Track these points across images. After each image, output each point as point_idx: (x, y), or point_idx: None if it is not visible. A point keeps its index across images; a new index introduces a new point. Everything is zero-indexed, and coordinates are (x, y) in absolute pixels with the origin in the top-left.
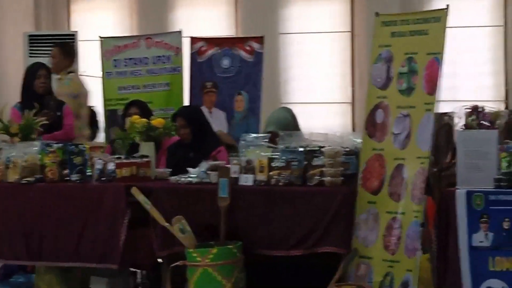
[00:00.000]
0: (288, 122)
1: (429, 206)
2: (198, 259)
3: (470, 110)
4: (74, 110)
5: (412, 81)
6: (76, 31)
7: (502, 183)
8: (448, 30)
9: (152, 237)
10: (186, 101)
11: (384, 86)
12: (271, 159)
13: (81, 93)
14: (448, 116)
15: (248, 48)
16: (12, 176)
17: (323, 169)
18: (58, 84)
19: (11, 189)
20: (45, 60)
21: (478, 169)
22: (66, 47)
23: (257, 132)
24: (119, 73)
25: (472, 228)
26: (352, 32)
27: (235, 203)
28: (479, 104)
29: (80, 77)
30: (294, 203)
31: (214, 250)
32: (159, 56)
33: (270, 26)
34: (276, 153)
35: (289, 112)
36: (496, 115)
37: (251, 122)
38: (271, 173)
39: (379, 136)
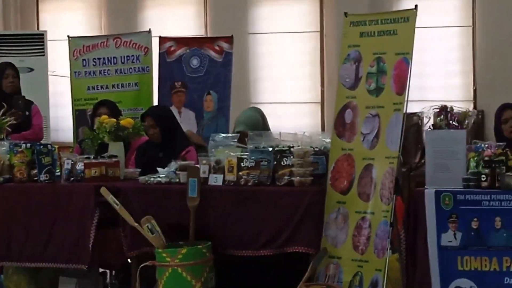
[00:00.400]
0: (258, 122)
1: (398, 206)
2: (168, 259)
3: (438, 110)
4: None
5: (381, 81)
6: (45, 31)
7: (470, 183)
8: (416, 30)
9: (121, 237)
10: (155, 101)
11: (353, 86)
12: (240, 159)
13: None
14: (417, 116)
15: (217, 48)
16: None
17: (292, 169)
18: None
19: None
20: (14, 60)
21: (446, 169)
22: None
23: (226, 132)
24: (88, 73)
25: (441, 228)
26: (321, 32)
27: (204, 203)
28: (448, 104)
29: None
30: (263, 203)
31: (184, 250)
32: (128, 56)
33: (239, 26)
34: (245, 153)
35: (259, 112)
36: (464, 115)
37: (221, 122)
38: (240, 173)
39: (348, 136)
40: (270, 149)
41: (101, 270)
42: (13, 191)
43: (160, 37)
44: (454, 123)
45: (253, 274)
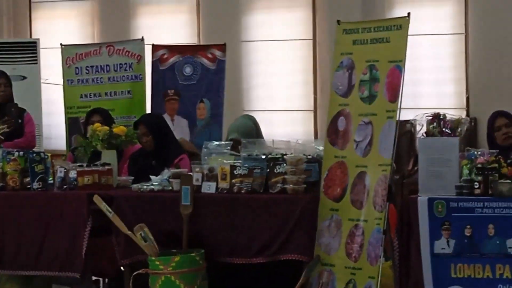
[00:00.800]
0: (251, 130)
1: (391, 214)
2: (161, 267)
3: (431, 117)
4: None
5: (374, 89)
6: (38, 39)
7: (463, 190)
8: (409, 38)
9: (114, 245)
10: (148, 109)
11: (346, 94)
12: (233, 167)
13: None
14: (410, 123)
15: (210, 55)
16: None
17: (285, 176)
18: None
19: None
20: (7, 68)
21: (439, 176)
22: None
23: (219, 140)
24: (81, 81)
25: (434, 235)
26: (314, 40)
27: (197, 211)
28: (441, 111)
29: None
30: (256, 211)
31: (177, 258)
32: (121, 64)
33: (232, 33)
34: (239, 161)
35: (252, 119)
36: (457, 122)
37: (214, 130)
38: (233, 180)
39: (341, 143)
40: (263, 156)
41: (94, 278)
42: (6, 199)
43: (153, 45)
44: (447, 130)
45: (247, 282)
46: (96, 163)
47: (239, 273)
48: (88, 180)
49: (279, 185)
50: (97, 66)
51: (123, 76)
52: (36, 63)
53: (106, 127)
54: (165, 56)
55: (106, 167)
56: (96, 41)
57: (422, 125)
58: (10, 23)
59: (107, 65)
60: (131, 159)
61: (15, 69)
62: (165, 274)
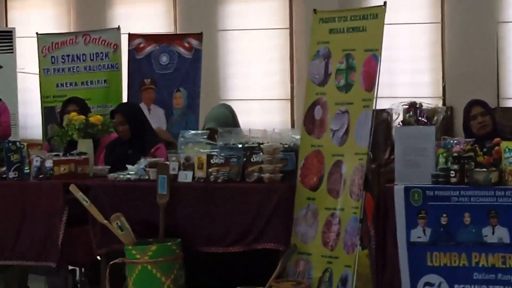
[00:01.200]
0: (227, 119)
1: (367, 202)
2: (137, 256)
3: (407, 106)
4: None
5: (350, 78)
6: (14, 28)
7: (439, 179)
8: (385, 27)
9: (91, 235)
10: (125, 98)
11: (323, 83)
12: (210, 156)
13: None
14: (386, 112)
15: (186, 45)
16: None
17: (262, 165)
18: None
19: None
20: None
21: (416, 165)
22: None
23: (196, 129)
24: (57, 70)
25: (410, 224)
26: (291, 29)
27: (174, 200)
28: (417, 100)
29: None
30: (233, 200)
31: (153, 247)
32: (97, 53)
33: (209, 23)
34: (215, 150)
35: (228, 109)
36: (433, 111)
37: (190, 119)
38: (210, 169)
39: (318, 132)
40: (240, 146)
41: (70, 268)
42: None
43: (129, 34)
44: (423, 119)
45: (223, 271)
46: (72, 152)
47: (216, 262)
48: (64, 169)
49: (255, 174)
50: (73, 55)
51: (99, 65)
52: (12, 52)
53: (82, 116)
54: (142, 45)
55: (82, 157)
56: (72, 30)
57: (399, 114)
58: None
59: (83, 54)
60: (108, 149)
61: None
62: (141, 263)
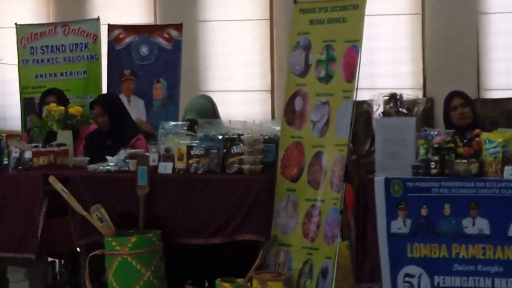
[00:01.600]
0: (207, 110)
1: (348, 194)
2: (117, 248)
3: (388, 97)
4: None
5: (331, 69)
6: None
7: (420, 170)
8: (366, 18)
9: (70, 226)
10: (104, 89)
11: (303, 74)
12: (190, 147)
13: None
14: (367, 103)
15: (166, 35)
16: None
17: (242, 157)
18: None
19: None
20: None
21: (396, 156)
22: None
23: (176, 120)
24: (36, 61)
25: (391, 215)
26: (271, 19)
27: (154, 191)
28: (397, 91)
29: None
30: (213, 191)
31: (133, 239)
32: (76, 44)
33: (189, 13)
34: (195, 141)
35: (209, 99)
36: (413, 102)
37: (170, 110)
38: (190, 161)
39: (298, 123)
40: (220, 137)
41: (50, 259)
42: None
43: (108, 24)
44: (403, 110)
45: (203, 262)
46: (51, 143)
47: (196, 254)
48: (44, 160)
49: (236, 165)
50: (52, 46)
51: (79, 56)
52: None
53: (62, 108)
54: (121, 36)
55: (62, 148)
56: (51, 21)
57: (379, 105)
58: None
59: (62, 45)
60: (87, 140)
61: None
62: (121, 255)
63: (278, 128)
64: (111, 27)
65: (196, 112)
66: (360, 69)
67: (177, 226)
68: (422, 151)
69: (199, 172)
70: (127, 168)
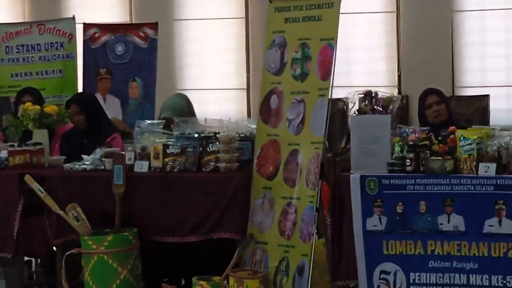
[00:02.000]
0: (183, 109)
1: (324, 191)
2: (93, 246)
3: (363, 95)
4: None
5: (306, 67)
6: None
7: (395, 168)
8: (341, 16)
9: (47, 225)
10: (80, 88)
11: (278, 72)
12: (166, 146)
13: None
14: (342, 101)
15: (142, 34)
16: None
17: (218, 155)
18: None
19: None
20: None
21: (371, 154)
22: None
23: (152, 119)
24: (11, 60)
25: (366, 213)
26: (247, 18)
27: (130, 190)
28: (373, 89)
29: None
30: (189, 190)
31: (109, 237)
32: (52, 43)
33: (164, 12)
34: (171, 140)
35: (184, 98)
36: (389, 100)
37: (146, 109)
38: (166, 159)
39: (274, 121)
40: (196, 135)
41: (26, 258)
42: None
43: (84, 23)
44: (378, 108)
45: (180, 260)
46: (27, 142)
47: (172, 252)
48: (20, 160)
49: (212, 163)
50: (27, 45)
51: (54, 55)
52: None
53: (37, 107)
54: (97, 35)
55: (38, 147)
56: (26, 20)
57: (354, 103)
58: None
59: (38, 44)
60: (63, 139)
61: None
62: (98, 254)
63: (254, 126)
64: (86, 26)
65: (171, 111)
66: (336, 67)
67: (153, 224)
68: (397, 148)
69: (175, 170)
70: (103, 167)
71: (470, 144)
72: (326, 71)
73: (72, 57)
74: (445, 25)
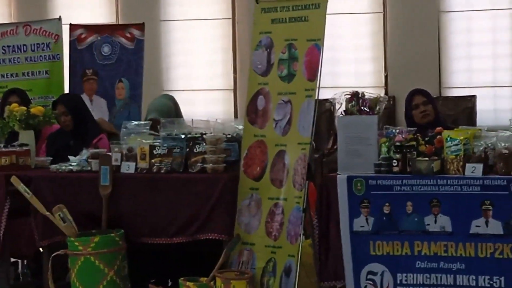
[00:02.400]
0: (170, 109)
1: (310, 192)
2: (80, 247)
3: (350, 96)
4: None
5: (293, 68)
6: None
7: (382, 168)
8: (328, 17)
9: (33, 227)
10: (66, 89)
11: (265, 73)
12: (152, 147)
13: None
14: (329, 102)
15: (128, 35)
16: None
17: (205, 156)
18: None
19: None
20: None
21: (358, 154)
22: None
23: (138, 120)
24: None
25: (353, 213)
26: (233, 19)
27: (116, 191)
28: (359, 90)
29: None
30: (176, 191)
31: (96, 239)
32: (38, 44)
33: (151, 13)
34: (158, 141)
35: (171, 99)
36: (375, 101)
37: (133, 110)
38: (152, 160)
39: (261, 122)
40: (183, 136)
41: (12, 260)
42: None
43: (70, 24)
44: (365, 109)
45: (167, 262)
46: (13, 143)
47: (159, 253)
48: (6, 161)
49: (198, 164)
50: (13, 46)
51: (41, 56)
52: None
53: (24, 108)
54: (83, 36)
55: (24, 148)
56: (12, 21)
57: (341, 104)
58: None
59: (24, 45)
60: (49, 140)
61: None
62: (84, 255)
63: (241, 127)
64: (72, 27)
65: (158, 112)
66: (322, 68)
67: (140, 225)
68: (384, 149)
69: (162, 171)
70: (89, 168)
71: (457, 144)
72: (313, 72)
73: (59, 58)
74: (432, 25)
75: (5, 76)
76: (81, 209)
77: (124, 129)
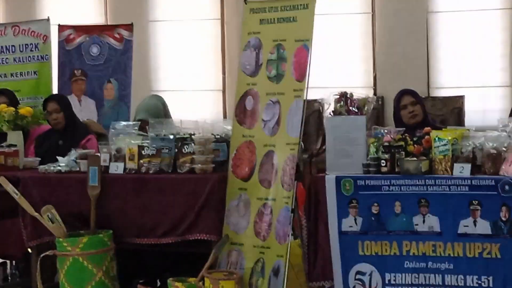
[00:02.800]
0: (159, 110)
1: (299, 192)
2: (68, 248)
3: (338, 96)
4: None
5: (281, 68)
6: None
7: (370, 168)
8: (317, 17)
9: (21, 227)
10: (55, 90)
11: (254, 73)
12: (141, 147)
13: None
14: (318, 102)
15: (117, 35)
16: None
17: (194, 156)
18: None
19: None
20: None
21: (347, 154)
22: None
23: (127, 120)
24: None
25: (342, 213)
26: (222, 19)
27: (105, 192)
28: (348, 90)
29: None
30: (164, 191)
31: (84, 239)
32: (26, 44)
33: (140, 13)
34: (146, 141)
35: (160, 99)
36: (364, 101)
37: (121, 110)
38: (141, 161)
39: (249, 123)
40: (171, 136)
41: (1, 260)
42: None
43: (59, 25)
44: (354, 109)
45: (155, 262)
46: (2, 144)
47: (148, 254)
48: None
49: (187, 165)
50: (2, 47)
51: (29, 56)
52: None
53: (12, 108)
54: (72, 36)
55: (12, 149)
56: (1, 21)
57: (330, 104)
58: None
59: (12, 46)
60: (38, 140)
61: None
62: (73, 256)
63: (229, 127)
64: (61, 28)
65: (147, 112)
66: (311, 68)
67: (128, 226)
68: (372, 149)
69: (151, 172)
70: (78, 169)
71: (445, 144)
72: (301, 72)
73: (47, 58)
74: (420, 26)
75: None
76: (69, 209)
77: (113, 130)
